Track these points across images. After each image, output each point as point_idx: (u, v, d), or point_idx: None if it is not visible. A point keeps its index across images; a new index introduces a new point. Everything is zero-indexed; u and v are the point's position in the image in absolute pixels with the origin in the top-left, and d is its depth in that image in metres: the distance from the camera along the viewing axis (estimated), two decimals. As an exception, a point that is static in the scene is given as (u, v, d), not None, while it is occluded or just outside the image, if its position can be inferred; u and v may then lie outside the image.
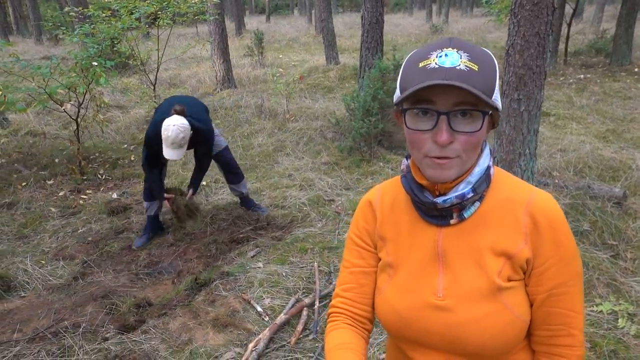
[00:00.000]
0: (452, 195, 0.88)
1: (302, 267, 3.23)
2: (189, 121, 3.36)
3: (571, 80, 8.83)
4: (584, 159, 4.73)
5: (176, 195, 3.76)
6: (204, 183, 4.81)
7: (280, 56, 12.79)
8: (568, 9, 10.42)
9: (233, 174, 3.97)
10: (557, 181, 4.02)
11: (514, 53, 3.36)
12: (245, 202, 4.13)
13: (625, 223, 3.48)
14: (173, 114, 3.32)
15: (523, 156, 3.56)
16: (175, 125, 3.22)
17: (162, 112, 3.42)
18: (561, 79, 9.04)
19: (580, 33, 13.99)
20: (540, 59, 3.32)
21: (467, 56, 0.81)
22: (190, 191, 3.79)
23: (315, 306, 2.78)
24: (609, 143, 5.36)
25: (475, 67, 0.80)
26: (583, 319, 0.91)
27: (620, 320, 2.55)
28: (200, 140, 3.55)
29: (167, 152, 3.29)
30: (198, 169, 3.82)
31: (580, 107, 7.01)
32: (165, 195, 3.69)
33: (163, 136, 3.25)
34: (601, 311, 2.62)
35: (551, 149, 5.13)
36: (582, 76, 9.12)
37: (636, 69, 9.25)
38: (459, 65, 0.80)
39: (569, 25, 10.35)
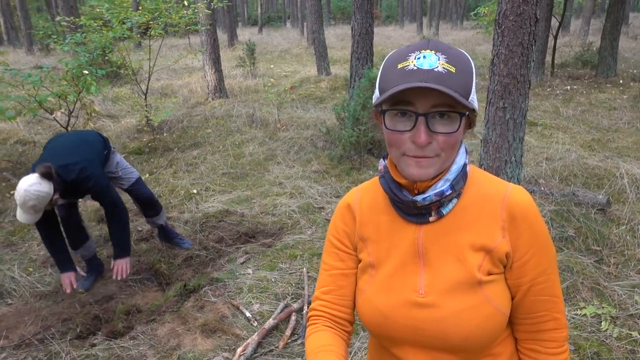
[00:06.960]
0: (431, 193, 0.89)
1: (291, 273, 3.25)
2: (62, 176, 2.78)
3: (558, 92, 8.98)
4: (569, 167, 4.81)
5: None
6: (194, 191, 4.83)
7: (272, 67, 12.87)
8: (554, 22, 10.62)
9: (150, 208, 3.52)
10: (543, 188, 4.08)
11: (499, 62, 3.43)
12: (165, 233, 3.66)
13: (609, 229, 3.54)
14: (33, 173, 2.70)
15: (509, 163, 3.62)
16: (25, 190, 2.61)
17: (33, 167, 2.81)
18: (548, 90, 9.19)
19: (567, 45, 14.24)
20: (524, 69, 3.40)
21: (445, 58, 0.83)
22: (114, 262, 3.09)
23: (304, 311, 2.79)
24: (594, 152, 5.45)
25: (453, 69, 0.83)
26: (563, 302, 0.94)
27: (603, 323, 2.59)
28: (91, 192, 2.96)
29: (19, 214, 2.71)
30: (110, 225, 3.09)
31: (567, 117, 7.13)
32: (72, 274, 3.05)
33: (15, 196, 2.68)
34: (585, 314, 2.66)
35: (538, 157, 5.21)
36: (568, 87, 9.27)
37: (621, 81, 9.42)
38: (437, 67, 0.82)
39: (556, 37, 10.56)
